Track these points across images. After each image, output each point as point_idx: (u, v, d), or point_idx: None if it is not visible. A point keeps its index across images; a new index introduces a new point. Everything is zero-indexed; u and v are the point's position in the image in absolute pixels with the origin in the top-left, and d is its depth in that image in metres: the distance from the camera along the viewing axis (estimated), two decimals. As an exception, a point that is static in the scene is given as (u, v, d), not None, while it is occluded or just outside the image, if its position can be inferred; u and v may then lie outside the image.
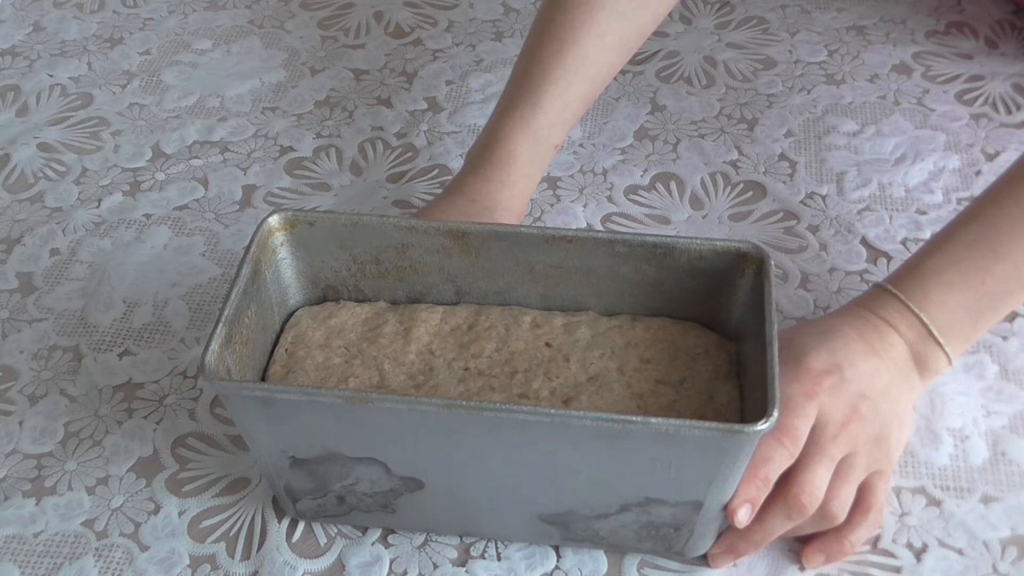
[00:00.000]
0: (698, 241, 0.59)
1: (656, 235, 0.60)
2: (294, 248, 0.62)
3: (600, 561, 0.60)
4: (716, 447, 0.50)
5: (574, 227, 0.79)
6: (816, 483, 0.56)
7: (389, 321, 0.62)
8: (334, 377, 0.59)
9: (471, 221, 0.61)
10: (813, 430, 0.57)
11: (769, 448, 0.55)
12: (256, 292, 0.59)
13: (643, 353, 0.60)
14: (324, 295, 0.64)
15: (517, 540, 0.61)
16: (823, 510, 0.57)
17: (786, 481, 0.56)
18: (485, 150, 0.71)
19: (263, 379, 0.60)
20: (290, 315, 0.63)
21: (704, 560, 0.60)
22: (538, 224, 0.80)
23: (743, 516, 0.55)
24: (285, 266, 0.62)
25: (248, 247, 0.59)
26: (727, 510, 0.55)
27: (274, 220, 0.60)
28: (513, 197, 0.71)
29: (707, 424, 0.49)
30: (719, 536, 0.59)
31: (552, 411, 0.50)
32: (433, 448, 0.54)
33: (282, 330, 0.62)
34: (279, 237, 0.61)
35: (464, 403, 0.51)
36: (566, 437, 0.51)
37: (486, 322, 0.61)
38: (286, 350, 0.61)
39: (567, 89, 0.71)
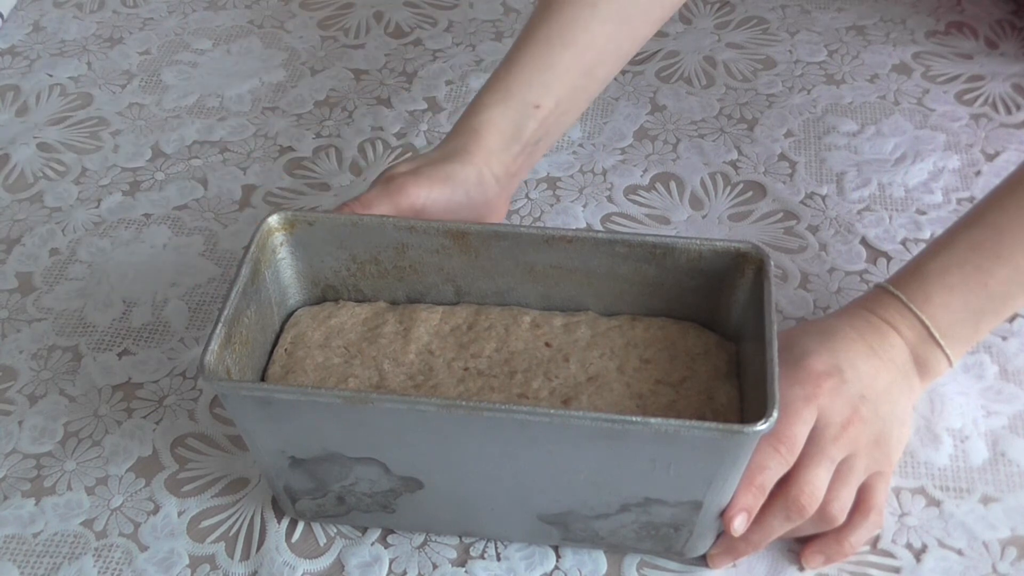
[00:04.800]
0: (698, 241, 0.59)
1: (656, 235, 0.60)
2: (293, 248, 0.62)
3: (600, 561, 0.60)
4: (715, 447, 0.50)
5: (574, 227, 0.79)
6: (816, 484, 0.56)
7: (389, 321, 0.62)
8: (333, 377, 0.59)
9: (470, 221, 0.61)
10: (813, 431, 0.57)
11: (765, 456, 0.55)
12: (255, 292, 0.59)
13: (643, 353, 0.60)
14: (324, 295, 0.64)
15: (517, 540, 0.61)
16: (823, 511, 0.57)
17: (786, 482, 0.56)
18: (458, 121, 0.68)
19: (262, 379, 0.60)
20: (290, 315, 0.63)
21: (704, 560, 0.60)
22: (538, 224, 0.80)
23: (739, 525, 0.55)
24: (285, 266, 0.62)
25: (247, 247, 0.59)
26: (724, 518, 0.55)
27: (273, 220, 0.60)
28: (480, 149, 0.66)
29: (707, 424, 0.49)
30: (718, 536, 0.59)
31: (552, 411, 0.50)
32: (432, 448, 0.54)
33: (282, 330, 0.62)
34: (278, 237, 0.61)
35: (463, 403, 0.50)
36: (566, 437, 0.51)
37: (486, 322, 0.61)
38: (286, 350, 0.61)
39: (548, 51, 0.68)
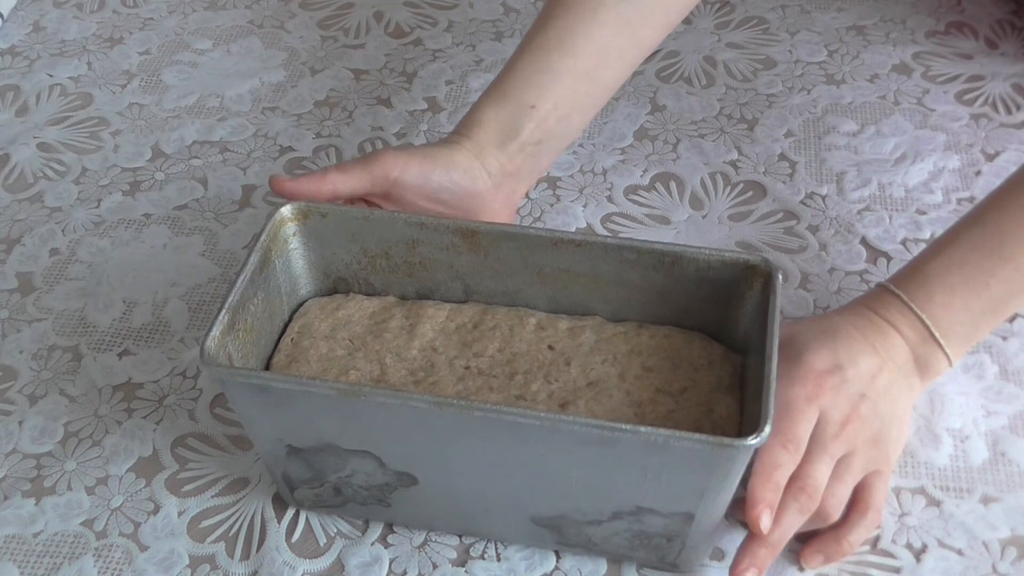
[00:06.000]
0: (706, 251, 0.58)
1: (664, 243, 0.59)
2: (306, 239, 0.62)
3: (600, 563, 0.60)
4: (706, 459, 0.50)
5: (578, 229, 0.79)
6: (818, 476, 0.56)
7: (395, 316, 0.62)
8: (335, 369, 0.59)
9: (479, 220, 0.62)
10: (815, 428, 0.57)
11: (776, 454, 0.55)
12: (264, 281, 0.59)
13: (645, 361, 0.59)
14: (335, 287, 0.64)
15: (512, 541, 0.61)
16: (819, 507, 0.57)
17: (792, 479, 0.56)
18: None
19: (267, 367, 0.60)
20: (300, 305, 0.63)
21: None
22: (542, 225, 0.80)
23: (766, 521, 0.54)
24: (296, 256, 0.62)
25: (258, 235, 0.59)
26: (748, 519, 0.54)
27: (286, 210, 0.61)
28: (471, 142, 0.67)
29: (695, 436, 0.49)
30: (736, 553, 0.57)
31: (541, 415, 0.50)
32: (425, 445, 0.54)
33: (291, 319, 0.63)
34: (291, 227, 0.61)
35: (455, 401, 0.51)
36: (557, 441, 0.51)
37: (491, 322, 0.61)
38: (292, 339, 0.61)
39: (545, 55, 0.69)
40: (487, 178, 0.67)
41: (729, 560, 0.59)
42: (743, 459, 0.50)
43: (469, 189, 0.66)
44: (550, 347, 0.60)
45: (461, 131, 0.68)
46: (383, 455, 0.55)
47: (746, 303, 0.59)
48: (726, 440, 0.49)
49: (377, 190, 0.64)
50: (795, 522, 0.56)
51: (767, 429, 0.49)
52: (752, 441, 0.48)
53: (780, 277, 0.56)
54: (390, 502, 0.59)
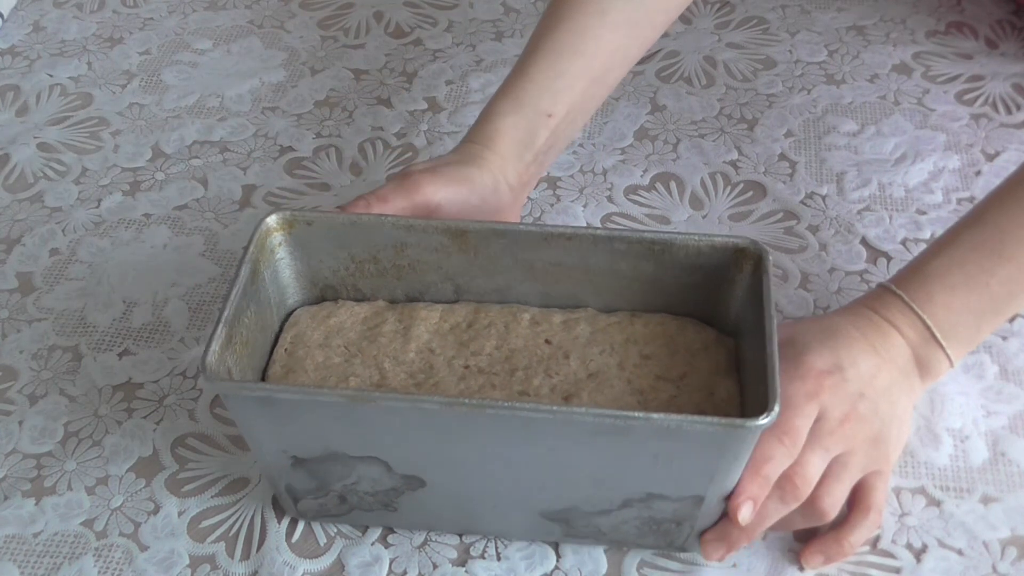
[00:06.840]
0: (696, 237, 0.59)
1: (654, 231, 0.60)
2: (292, 248, 0.62)
3: (600, 561, 0.60)
4: (718, 442, 0.50)
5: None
6: (809, 468, 0.56)
7: (388, 320, 0.62)
8: (334, 376, 0.59)
9: (469, 219, 0.62)
10: (813, 425, 0.57)
11: (770, 447, 0.55)
12: (255, 292, 0.59)
13: (642, 349, 0.60)
14: (322, 295, 0.64)
15: (519, 538, 0.61)
16: (815, 505, 0.57)
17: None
18: (471, 129, 0.70)
19: (263, 379, 0.60)
20: (288, 315, 0.63)
21: (702, 560, 0.60)
22: (537, 223, 0.80)
23: (746, 513, 0.55)
24: (283, 266, 0.62)
25: (246, 247, 0.59)
26: (729, 507, 0.55)
27: (272, 220, 0.60)
28: (496, 156, 0.67)
29: (710, 419, 0.50)
30: (711, 526, 0.58)
31: (555, 408, 0.50)
32: (435, 446, 0.54)
33: (281, 330, 0.62)
34: (277, 237, 0.61)
35: (467, 401, 0.51)
36: (568, 434, 0.51)
37: (485, 320, 0.61)
38: (286, 350, 0.61)
39: (558, 59, 0.69)
40: (508, 192, 0.67)
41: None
42: (753, 439, 0.51)
43: (496, 206, 0.66)
44: (547, 341, 0.60)
45: (480, 141, 0.67)
46: (391, 459, 0.55)
47: (736, 287, 0.59)
48: (738, 421, 0.49)
49: (416, 215, 0.64)
50: (775, 512, 0.56)
51: (776, 408, 0.49)
52: (764, 420, 0.49)
53: (770, 258, 0.57)
54: (396, 506, 0.59)
